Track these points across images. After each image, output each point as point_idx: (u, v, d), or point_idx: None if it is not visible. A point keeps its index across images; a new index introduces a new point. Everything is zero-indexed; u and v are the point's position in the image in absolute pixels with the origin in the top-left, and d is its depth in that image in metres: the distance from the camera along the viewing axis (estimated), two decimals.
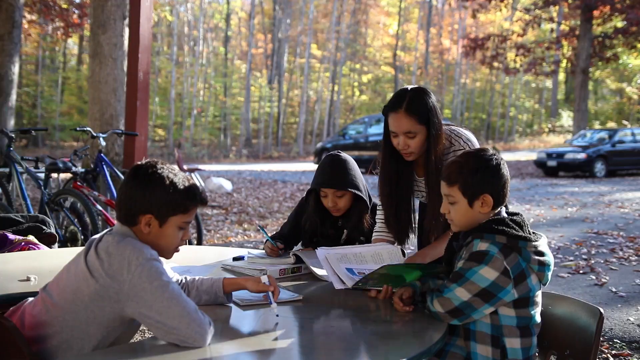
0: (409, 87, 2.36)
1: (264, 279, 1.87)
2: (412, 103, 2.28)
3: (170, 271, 1.97)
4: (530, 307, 1.88)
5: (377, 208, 2.61)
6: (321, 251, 2.27)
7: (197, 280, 1.96)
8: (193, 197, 1.76)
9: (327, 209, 2.70)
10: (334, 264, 2.21)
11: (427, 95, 2.31)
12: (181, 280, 1.96)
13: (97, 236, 1.76)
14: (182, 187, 1.73)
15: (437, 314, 1.87)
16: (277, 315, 1.79)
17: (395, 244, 2.50)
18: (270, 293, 1.84)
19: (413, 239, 2.59)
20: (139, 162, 1.77)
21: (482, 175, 1.92)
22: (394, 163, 2.42)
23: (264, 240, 2.78)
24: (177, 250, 1.82)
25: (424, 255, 2.36)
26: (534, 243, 1.87)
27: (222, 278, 1.94)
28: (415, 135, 2.29)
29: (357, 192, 2.61)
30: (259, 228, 2.88)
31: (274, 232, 2.89)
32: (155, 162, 1.75)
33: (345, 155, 2.70)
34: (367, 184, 2.76)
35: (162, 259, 1.77)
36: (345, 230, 2.73)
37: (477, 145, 2.39)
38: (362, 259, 2.32)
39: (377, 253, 2.37)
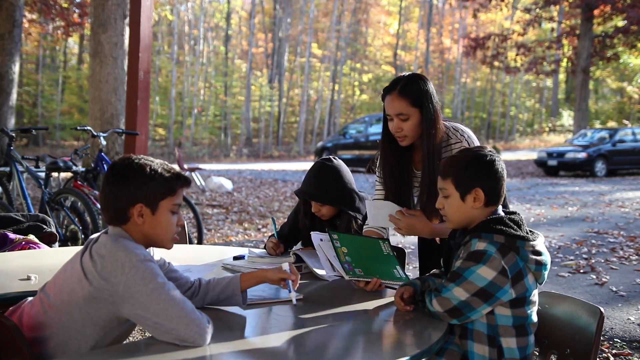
0: (407, 73, 2.41)
1: (285, 266, 1.87)
2: (406, 86, 2.33)
3: (180, 272, 1.95)
4: (526, 307, 1.88)
5: (368, 199, 2.60)
6: (316, 236, 2.29)
7: (212, 282, 1.91)
8: (177, 177, 1.75)
9: None
10: (327, 251, 2.22)
11: (422, 80, 2.35)
12: (193, 283, 1.92)
13: (95, 236, 1.75)
14: (163, 171, 1.74)
15: (436, 314, 1.87)
16: (295, 304, 1.82)
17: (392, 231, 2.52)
18: (290, 281, 1.85)
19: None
20: (113, 160, 1.77)
21: (474, 169, 1.93)
22: (392, 155, 2.45)
23: (269, 235, 2.79)
24: (176, 238, 1.81)
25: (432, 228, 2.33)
26: (531, 242, 1.87)
27: (239, 275, 1.90)
28: (407, 117, 2.32)
29: (334, 206, 2.62)
30: (271, 219, 2.88)
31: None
32: (129, 156, 1.77)
33: (335, 163, 2.66)
34: (368, 183, 2.76)
35: (157, 256, 1.77)
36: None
37: (475, 141, 2.41)
38: None
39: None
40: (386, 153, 2.47)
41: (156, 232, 1.74)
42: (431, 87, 2.35)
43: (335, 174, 2.63)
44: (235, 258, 2.63)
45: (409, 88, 2.32)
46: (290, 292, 1.82)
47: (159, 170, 1.73)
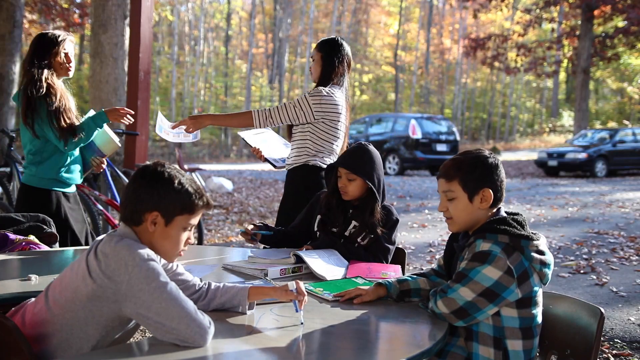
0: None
1: (292, 285, 1.85)
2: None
3: (189, 275, 1.96)
4: (532, 307, 1.88)
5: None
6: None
7: (221, 289, 1.91)
8: (200, 197, 1.78)
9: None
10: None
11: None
12: (201, 287, 1.92)
13: (101, 236, 1.77)
14: (190, 187, 1.76)
15: (441, 315, 1.86)
16: (302, 323, 1.77)
17: None
18: (296, 301, 1.81)
19: None
20: (147, 163, 1.79)
21: (481, 170, 1.95)
22: None
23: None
24: (180, 255, 1.81)
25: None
26: (535, 242, 1.87)
27: (248, 287, 1.90)
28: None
29: (366, 180, 2.64)
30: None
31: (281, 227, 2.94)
32: (163, 162, 1.78)
33: (372, 148, 2.76)
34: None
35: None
36: (353, 222, 2.72)
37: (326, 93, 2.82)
38: None
39: None
40: None
41: (163, 243, 1.75)
42: None
43: (370, 154, 2.71)
44: (257, 227, 2.74)
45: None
46: (297, 311, 1.80)
47: (187, 186, 1.75)
